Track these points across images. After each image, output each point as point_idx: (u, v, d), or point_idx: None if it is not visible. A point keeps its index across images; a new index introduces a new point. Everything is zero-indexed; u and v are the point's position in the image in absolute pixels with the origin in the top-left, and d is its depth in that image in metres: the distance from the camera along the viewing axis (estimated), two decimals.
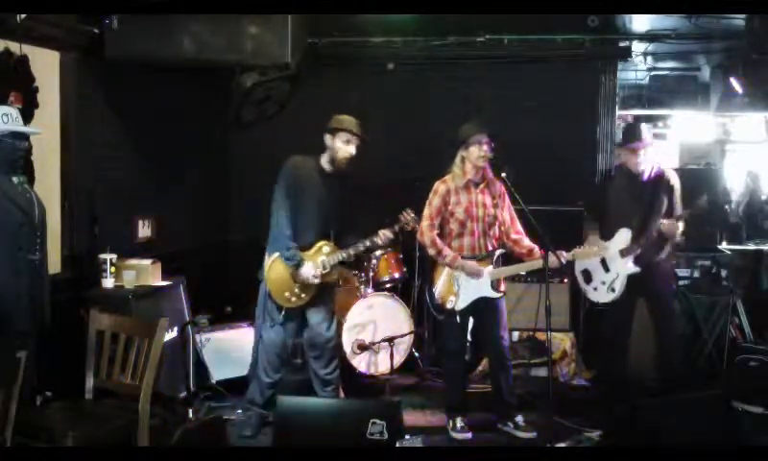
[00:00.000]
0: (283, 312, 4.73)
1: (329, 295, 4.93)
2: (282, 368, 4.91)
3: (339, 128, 4.69)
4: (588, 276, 5.24)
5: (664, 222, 4.90)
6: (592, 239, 5.03)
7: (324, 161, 4.76)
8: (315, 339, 4.84)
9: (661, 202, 5.03)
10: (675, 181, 5.07)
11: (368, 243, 4.77)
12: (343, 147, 4.69)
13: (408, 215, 4.73)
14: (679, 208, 5.03)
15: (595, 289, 5.19)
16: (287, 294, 4.71)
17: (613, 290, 5.06)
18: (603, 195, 5.41)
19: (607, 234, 5.07)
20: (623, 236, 5.02)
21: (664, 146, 8.91)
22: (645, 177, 5.06)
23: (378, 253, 6.16)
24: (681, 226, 4.94)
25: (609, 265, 5.08)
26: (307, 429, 3.93)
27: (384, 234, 4.71)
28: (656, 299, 5.18)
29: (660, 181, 5.06)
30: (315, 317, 4.84)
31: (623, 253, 5.00)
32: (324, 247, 4.76)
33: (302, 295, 4.73)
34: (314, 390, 4.91)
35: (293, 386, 5.27)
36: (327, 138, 4.72)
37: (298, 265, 4.63)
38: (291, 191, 4.66)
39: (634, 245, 4.98)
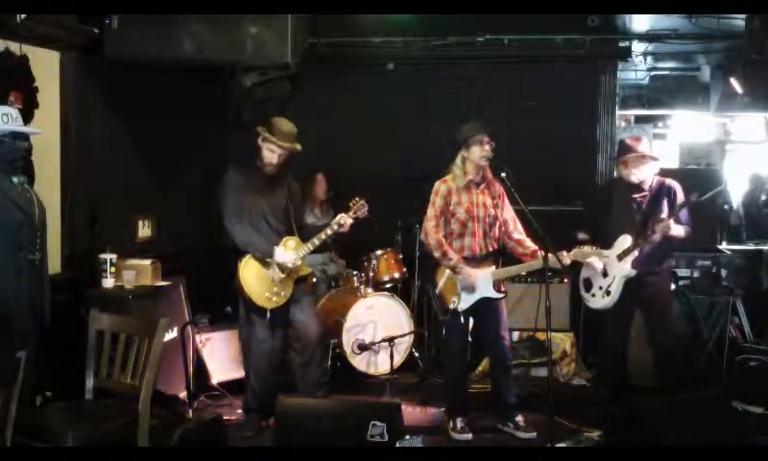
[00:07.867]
0: (269, 314, 4.70)
1: (308, 292, 5.01)
2: (274, 374, 4.85)
3: (268, 140, 4.72)
4: (588, 284, 5.20)
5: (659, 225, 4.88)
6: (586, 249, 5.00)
7: (258, 162, 4.81)
8: (303, 339, 4.82)
9: (662, 207, 5.02)
10: (677, 189, 5.06)
11: (329, 231, 4.79)
12: (267, 154, 4.74)
13: (357, 203, 4.79)
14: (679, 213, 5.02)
15: (593, 296, 5.14)
16: (267, 294, 4.69)
17: (609, 293, 5.01)
18: (602, 206, 5.39)
19: (607, 244, 5.05)
20: (622, 242, 5.01)
21: (664, 146, 8.92)
22: (646, 186, 5.07)
23: (378, 252, 6.17)
24: (677, 228, 4.92)
25: (607, 270, 5.07)
26: (307, 430, 3.92)
27: (342, 219, 4.74)
28: (651, 307, 5.13)
29: (660, 189, 5.06)
30: (300, 316, 4.83)
31: (621, 256, 4.99)
32: (290, 242, 4.78)
33: (282, 293, 4.73)
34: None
35: (291, 386, 5.25)
36: (259, 140, 4.77)
37: (271, 254, 4.67)
38: (237, 202, 4.69)
39: (631, 247, 4.96)
